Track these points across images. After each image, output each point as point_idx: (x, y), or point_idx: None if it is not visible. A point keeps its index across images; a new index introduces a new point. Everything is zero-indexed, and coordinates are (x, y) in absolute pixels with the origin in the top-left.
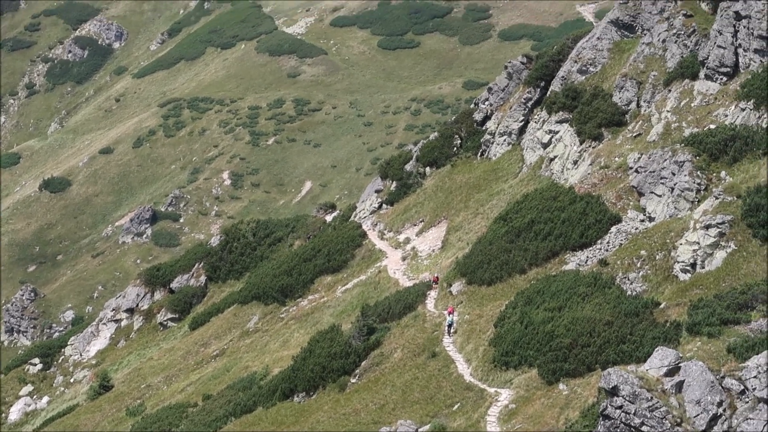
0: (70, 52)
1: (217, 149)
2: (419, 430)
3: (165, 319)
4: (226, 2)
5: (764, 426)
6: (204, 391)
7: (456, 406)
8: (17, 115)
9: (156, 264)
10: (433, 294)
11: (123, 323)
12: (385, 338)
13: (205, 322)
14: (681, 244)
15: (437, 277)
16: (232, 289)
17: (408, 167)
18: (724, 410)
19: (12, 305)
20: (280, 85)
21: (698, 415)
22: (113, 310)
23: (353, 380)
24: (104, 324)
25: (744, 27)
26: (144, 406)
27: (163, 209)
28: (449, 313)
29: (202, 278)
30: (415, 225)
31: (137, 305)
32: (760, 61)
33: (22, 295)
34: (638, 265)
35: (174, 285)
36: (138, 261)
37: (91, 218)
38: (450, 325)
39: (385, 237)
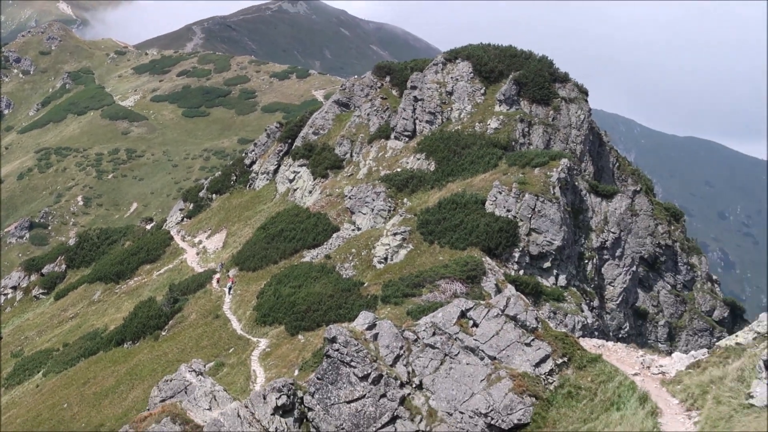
0: None
1: (74, 181)
2: (207, 365)
3: (38, 293)
4: (81, 85)
5: (429, 361)
6: (64, 341)
7: (231, 350)
8: None
9: (32, 257)
10: (217, 276)
11: (9, 296)
12: (185, 306)
13: (65, 296)
14: (378, 245)
15: (219, 278)
16: (84, 273)
17: (201, 194)
18: (404, 351)
19: None
20: (116, 140)
21: (387, 354)
22: (2, 287)
23: (163, 333)
24: None
25: (419, 106)
26: (23, 351)
27: (37, 221)
28: (232, 282)
29: (63, 266)
30: (205, 232)
31: (19, 284)
32: (430, 128)
33: None
34: (350, 258)
35: (44, 270)
36: (20, 255)
37: None
38: (230, 288)
39: (185, 240)
